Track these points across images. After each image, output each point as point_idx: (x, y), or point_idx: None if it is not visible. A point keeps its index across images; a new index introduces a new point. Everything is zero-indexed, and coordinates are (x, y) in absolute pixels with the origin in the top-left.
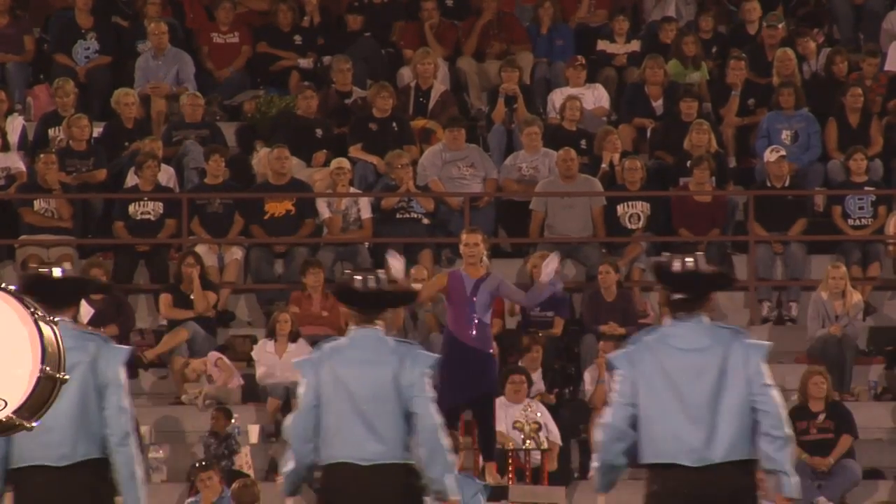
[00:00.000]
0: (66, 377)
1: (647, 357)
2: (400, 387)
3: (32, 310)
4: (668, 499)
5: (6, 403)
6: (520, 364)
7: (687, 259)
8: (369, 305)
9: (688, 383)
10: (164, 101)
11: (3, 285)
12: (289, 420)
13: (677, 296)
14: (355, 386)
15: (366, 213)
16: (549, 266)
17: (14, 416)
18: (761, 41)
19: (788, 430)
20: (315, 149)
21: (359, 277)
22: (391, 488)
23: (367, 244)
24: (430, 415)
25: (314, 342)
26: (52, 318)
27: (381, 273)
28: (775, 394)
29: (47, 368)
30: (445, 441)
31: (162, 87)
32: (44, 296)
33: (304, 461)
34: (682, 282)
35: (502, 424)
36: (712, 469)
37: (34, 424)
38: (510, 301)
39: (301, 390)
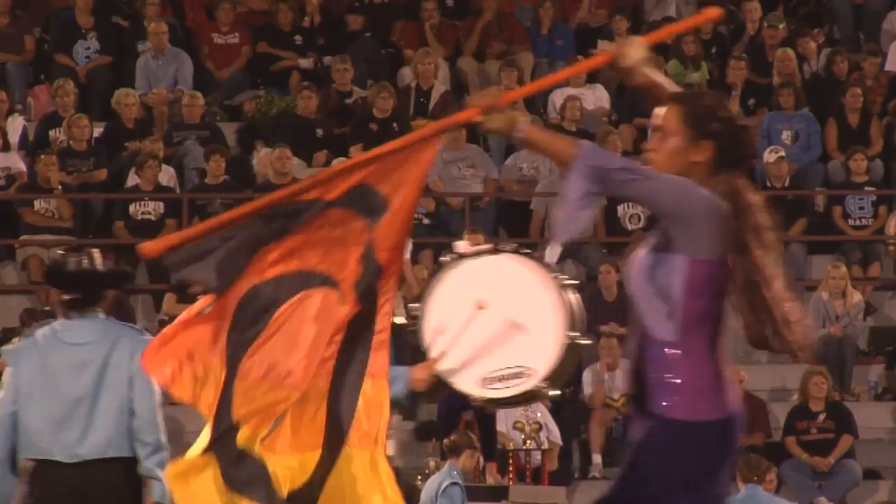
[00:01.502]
0: (587, 341)
1: (34, 353)
2: None
3: (555, 274)
4: (43, 495)
5: (534, 372)
6: None
7: (82, 258)
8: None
9: (68, 378)
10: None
11: (524, 250)
12: None
13: (68, 296)
14: None
15: None
16: None
17: (543, 385)
18: (761, 41)
19: (161, 435)
20: (315, 149)
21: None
22: None
23: None
24: None
25: None
26: (570, 281)
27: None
28: (154, 396)
29: (572, 335)
30: None
31: (160, 93)
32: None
33: None
34: (74, 281)
35: (503, 425)
36: (85, 465)
37: (556, 393)
38: None
39: None
